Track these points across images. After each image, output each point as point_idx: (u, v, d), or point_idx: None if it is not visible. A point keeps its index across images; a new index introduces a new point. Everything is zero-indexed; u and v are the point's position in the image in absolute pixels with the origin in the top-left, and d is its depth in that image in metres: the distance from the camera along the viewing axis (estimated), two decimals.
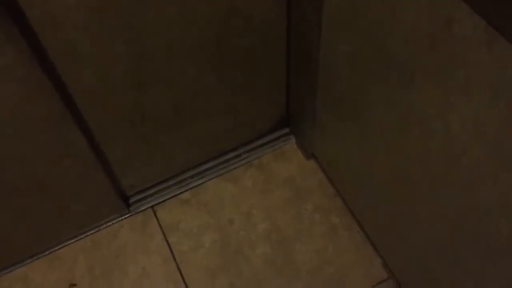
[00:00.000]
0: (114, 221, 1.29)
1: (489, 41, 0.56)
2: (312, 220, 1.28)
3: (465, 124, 0.66)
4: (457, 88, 0.65)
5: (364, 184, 1.09)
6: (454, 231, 0.80)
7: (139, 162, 1.20)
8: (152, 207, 1.31)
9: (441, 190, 0.78)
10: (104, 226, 1.28)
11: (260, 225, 1.27)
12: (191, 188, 1.33)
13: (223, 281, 1.21)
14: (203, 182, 1.34)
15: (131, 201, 1.30)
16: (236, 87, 1.13)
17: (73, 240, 1.26)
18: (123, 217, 1.30)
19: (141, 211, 1.31)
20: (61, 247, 1.26)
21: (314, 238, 1.25)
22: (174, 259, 1.24)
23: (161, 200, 1.32)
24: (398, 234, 1.04)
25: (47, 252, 1.25)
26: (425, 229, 0.90)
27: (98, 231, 1.28)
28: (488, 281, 0.77)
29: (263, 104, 1.25)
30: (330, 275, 1.20)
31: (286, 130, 1.39)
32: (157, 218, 1.30)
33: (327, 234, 1.25)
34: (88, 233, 1.27)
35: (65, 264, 1.24)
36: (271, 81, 1.18)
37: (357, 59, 0.84)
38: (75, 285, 1.21)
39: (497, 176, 0.64)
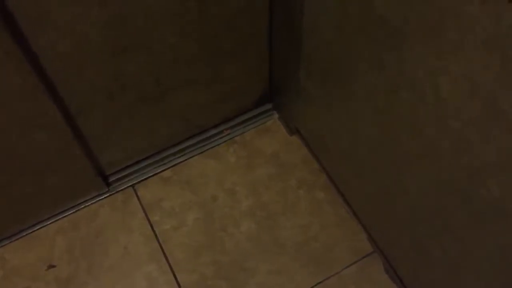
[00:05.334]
0: (93, 201, 1.25)
1: None
2: (296, 196, 1.26)
3: (457, 85, 0.65)
4: (449, 46, 0.63)
5: (350, 156, 1.08)
6: (443, 198, 0.78)
7: (118, 138, 1.16)
8: (132, 185, 1.28)
9: (430, 156, 0.77)
10: (83, 206, 1.24)
11: (244, 201, 1.25)
12: (172, 166, 1.30)
13: (207, 259, 1.19)
14: (185, 160, 1.31)
15: (110, 179, 1.26)
16: (217, 57, 1.10)
17: (51, 221, 1.22)
18: (103, 197, 1.26)
19: (121, 190, 1.27)
20: (39, 228, 1.22)
21: (299, 214, 1.24)
22: (157, 238, 1.22)
23: (142, 178, 1.28)
24: (384, 206, 1.03)
25: (24, 233, 1.21)
26: (413, 198, 0.88)
27: (77, 211, 1.24)
28: (476, 246, 0.77)
29: (246, 76, 1.22)
30: (315, 250, 1.19)
31: (269, 106, 1.37)
32: (138, 197, 1.27)
33: (312, 210, 1.24)
34: (67, 213, 1.23)
35: (43, 245, 1.20)
36: (253, 51, 1.15)
37: (343, 23, 0.82)
38: (54, 266, 1.17)
39: (489, 137, 0.63)
